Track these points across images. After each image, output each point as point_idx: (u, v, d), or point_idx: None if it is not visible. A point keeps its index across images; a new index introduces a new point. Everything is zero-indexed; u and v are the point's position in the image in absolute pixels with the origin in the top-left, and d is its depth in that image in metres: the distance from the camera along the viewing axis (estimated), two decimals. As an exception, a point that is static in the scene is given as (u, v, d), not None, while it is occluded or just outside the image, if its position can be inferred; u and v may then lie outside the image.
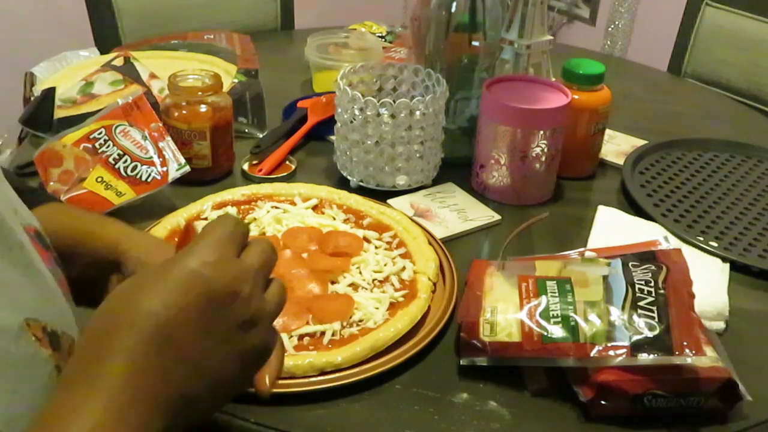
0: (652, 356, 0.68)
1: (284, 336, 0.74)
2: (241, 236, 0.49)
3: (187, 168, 0.96)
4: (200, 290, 0.44)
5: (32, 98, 1.10)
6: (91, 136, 0.96)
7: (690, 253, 0.89)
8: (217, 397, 0.47)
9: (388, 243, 0.89)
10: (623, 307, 0.72)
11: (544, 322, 0.72)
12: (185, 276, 0.45)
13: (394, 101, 0.95)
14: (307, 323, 0.76)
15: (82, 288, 0.56)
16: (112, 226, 0.69)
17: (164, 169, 0.95)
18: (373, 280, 0.83)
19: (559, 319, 0.72)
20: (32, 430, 0.41)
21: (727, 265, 0.91)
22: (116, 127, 0.96)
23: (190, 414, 0.45)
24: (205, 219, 0.90)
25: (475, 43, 1.07)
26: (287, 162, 1.09)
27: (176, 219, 0.87)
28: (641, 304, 0.72)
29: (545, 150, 1.00)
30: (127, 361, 0.42)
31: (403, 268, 0.84)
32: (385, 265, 0.85)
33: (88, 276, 0.62)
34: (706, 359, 0.69)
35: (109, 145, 0.95)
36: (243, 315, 0.46)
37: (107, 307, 0.45)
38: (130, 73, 1.14)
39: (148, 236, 0.77)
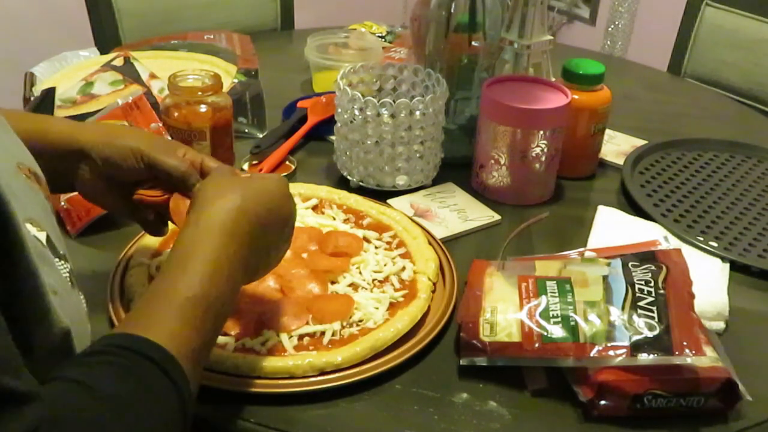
0: (652, 356, 0.68)
1: (284, 336, 0.74)
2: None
3: (187, 168, 0.96)
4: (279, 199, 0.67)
5: (32, 98, 1.09)
6: (91, 136, 0.95)
7: (690, 253, 0.89)
8: (266, 265, 0.68)
9: (388, 243, 0.89)
10: (623, 307, 0.72)
11: (544, 322, 0.72)
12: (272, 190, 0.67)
13: (394, 101, 0.95)
14: (307, 323, 0.76)
15: (49, 180, 0.62)
16: (61, 121, 0.77)
17: (164, 169, 0.95)
18: (373, 280, 0.83)
19: (559, 319, 0.72)
20: (170, 263, 0.59)
21: (727, 265, 0.91)
22: (116, 127, 0.96)
23: (253, 270, 0.65)
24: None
25: (475, 43, 1.07)
26: (287, 162, 1.09)
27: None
28: (641, 304, 0.73)
29: (545, 150, 1.00)
30: (232, 222, 0.62)
31: (403, 268, 0.84)
32: (385, 265, 0.85)
33: (50, 168, 0.67)
34: (706, 359, 0.69)
35: (109, 145, 0.95)
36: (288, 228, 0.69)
37: (216, 191, 0.65)
38: (130, 73, 1.13)
39: (98, 124, 0.89)
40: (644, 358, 0.68)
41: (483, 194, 1.04)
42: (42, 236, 0.53)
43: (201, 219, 0.62)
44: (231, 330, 0.74)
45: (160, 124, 0.98)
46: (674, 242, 0.93)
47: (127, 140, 0.72)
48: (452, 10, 1.05)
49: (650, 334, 0.70)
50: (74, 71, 1.16)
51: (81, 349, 0.56)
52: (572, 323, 0.71)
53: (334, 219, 0.93)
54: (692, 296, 0.75)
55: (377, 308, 0.78)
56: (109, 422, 0.47)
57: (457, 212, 0.99)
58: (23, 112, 0.87)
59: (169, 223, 0.79)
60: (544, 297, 0.74)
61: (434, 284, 0.83)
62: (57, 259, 0.55)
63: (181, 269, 0.59)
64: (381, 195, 1.00)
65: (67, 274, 0.56)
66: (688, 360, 0.68)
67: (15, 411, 0.42)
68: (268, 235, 0.65)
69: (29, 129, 0.71)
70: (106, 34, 1.58)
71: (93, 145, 0.72)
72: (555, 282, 0.76)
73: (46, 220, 0.55)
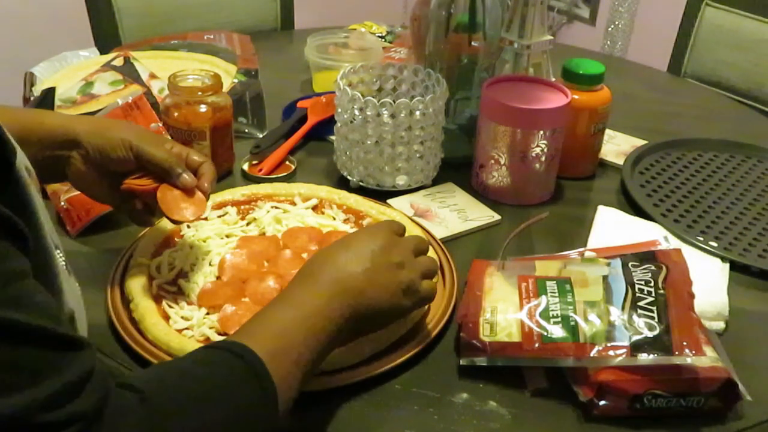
0: (651, 356, 0.68)
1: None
2: (400, 226, 0.74)
3: (187, 168, 0.96)
4: (370, 251, 0.69)
5: (32, 98, 1.09)
6: (91, 136, 0.95)
7: (690, 253, 0.89)
8: (378, 315, 0.68)
9: (388, 243, 0.89)
10: (623, 307, 0.72)
11: (544, 322, 0.72)
12: (362, 247, 0.69)
13: (394, 101, 0.95)
14: (307, 323, 0.76)
15: (42, 168, 0.65)
16: (55, 114, 0.83)
17: (164, 169, 0.95)
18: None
19: (559, 319, 0.72)
20: (265, 307, 0.65)
21: (727, 265, 0.91)
22: (116, 127, 0.96)
23: (364, 316, 0.66)
24: (205, 219, 0.90)
25: (475, 43, 1.07)
26: (287, 162, 1.09)
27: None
28: (641, 304, 0.73)
29: (545, 150, 1.00)
30: (328, 279, 0.66)
31: (403, 268, 0.84)
32: (385, 265, 0.85)
33: (44, 156, 0.74)
34: (706, 359, 0.69)
35: (109, 145, 0.95)
36: (393, 259, 0.69)
37: (316, 261, 0.69)
38: (130, 73, 1.13)
39: (91, 117, 0.94)
40: (644, 358, 0.68)
41: (483, 194, 1.04)
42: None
43: (311, 277, 0.67)
44: (231, 330, 0.74)
45: (160, 124, 0.98)
46: (674, 242, 0.93)
47: (117, 132, 0.76)
48: (452, 10, 1.05)
49: (650, 334, 0.70)
50: (74, 71, 1.16)
51: (83, 332, 0.61)
52: (572, 323, 0.71)
53: (334, 219, 0.93)
54: (692, 296, 0.75)
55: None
56: (183, 386, 0.54)
57: (457, 212, 0.99)
58: (17, 107, 0.89)
59: (163, 217, 0.80)
60: (544, 297, 0.74)
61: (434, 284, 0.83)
62: (54, 248, 0.57)
63: (287, 305, 0.65)
64: (381, 195, 1.00)
65: (64, 263, 0.59)
66: (688, 360, 0.68)
67: (72, 354, 0.46)
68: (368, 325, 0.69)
69: (26, 119, 0.75)
70: (106, 34, 1.58)
71: (85, 135, 0.75)
72: (555, 282, 0.76)
73: (43, 213, 0.56)
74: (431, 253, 0.86)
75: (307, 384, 0.62)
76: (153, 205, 0.77)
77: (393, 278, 0.68)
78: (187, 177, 0.76)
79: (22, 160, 0.54)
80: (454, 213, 0.99)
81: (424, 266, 0.71)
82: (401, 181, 1.02)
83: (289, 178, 1.05)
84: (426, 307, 0.79)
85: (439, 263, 0.85)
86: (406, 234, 0.76)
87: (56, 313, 0.47)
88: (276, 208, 0.94)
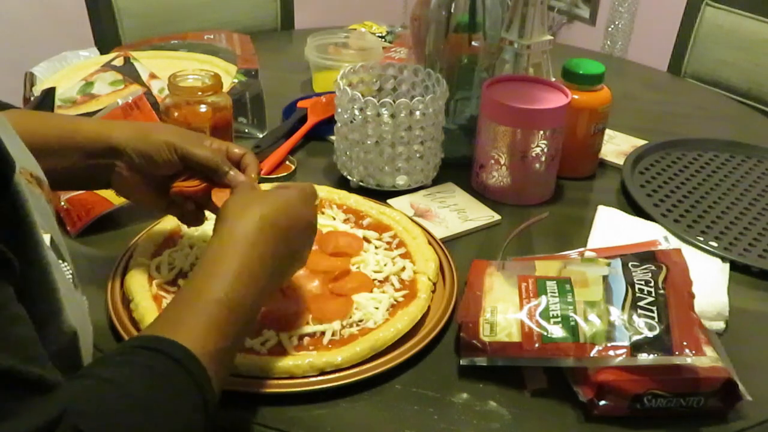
0: (652, 356, 0.68)
1: (284, 336, 0.74)
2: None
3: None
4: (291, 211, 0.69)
5: (32, 98, 1.09)
6: (91, 136, 0.95)
7: (690, 253, 0.89)
8: (288, 270, 0.70)
9: (388, 243, 0.89)
10: (623, 307, 0.72)
11: (544, 322, 0.72)
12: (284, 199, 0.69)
13: (394, 101, 0.95)
14: (307, 323, 0.76)
15: (85, 177, 0.71)
16: (89, 121, 0.83)
17: (164, 169, 0.95)
18: (373, 280, 0.83)
19: (559, 319, 0.72)
20: (196, 272, 0.62)
21: (727, 265, 0.91)
22: (116, 127, 0.96)
23: (278, 276, 0.67)
24: (205, 219, 0.90)
25: (475, 43, 1.07)
26: (287, 162, 1.09)
27: (176, 220, 0.87)
28: (641, 304, 0.73)
29: (545, 150, 1.00)
30: (255, 231, 0.65)
31: (403, 268, 0.84)
32: (384, 265, 0.85)
33: (82, 165, 0.74)
34: (706, 359, 0.69)
35: (109, 145, 0.95)
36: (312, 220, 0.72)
37: (239, 205, 0.68)
38: (130, 73, 1.13)
39: (127, 122, 0.95)
40: (644, 358, 0.68)
41: (483, 194, 1.04)
42: (47, 239, 0.54)
43: (224, 231, 0.65)
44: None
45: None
46: (674, 242, 0.93)
47: (159, 135, 0.75)
48: (452, 10, 1.05)
49: (650, 334, 0.70)
50: (74, 71, 1.16)
51: (86, 351, 0.58)
52: (572, 323, 0.71)
53: (334, 219, 0.93)
54: (692, 296, 0.75)
55: (377, 308, 0.78)
56: (131, 417, 0.50)
57: (457, 212, 0.99)
58: (46, 113, 0.89)
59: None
60: (544, 297, 0.74)
61: (434, 284, 0.83)
62: (60, 261, 0.56)
63: (207, 276, 0.62)
64: (381, 195, 1.00)
65: (71, 276, 0.57)
66: (688, 360, 0.68)
67: (40, 398, 0.43)
68: (290, 241, 0.68)
69: (61, 128, 0.75)
70: (106, 34, 1.58)
71: (127, 142, 0.74)
72: (555, 282, 0.76)
73: (49, 223, 0.55)
74: (431, 252, 0.86)
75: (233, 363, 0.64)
76: (204, 204, 0.78)
77: (300, 205, 0.71)
78: (233, 174, 0.75)
79: (29, 169, 0.54)
80: (454, 213, 0.99)
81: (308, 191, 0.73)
82: (401, 181, 1.02)
83: (289, 178, 1.05)
84: (426, 306, 0.79)
85: (439, 262, 0.86)
86: None
87: (33, 349, 0.45)
88: (276, 208, 0.94)
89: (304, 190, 0.72)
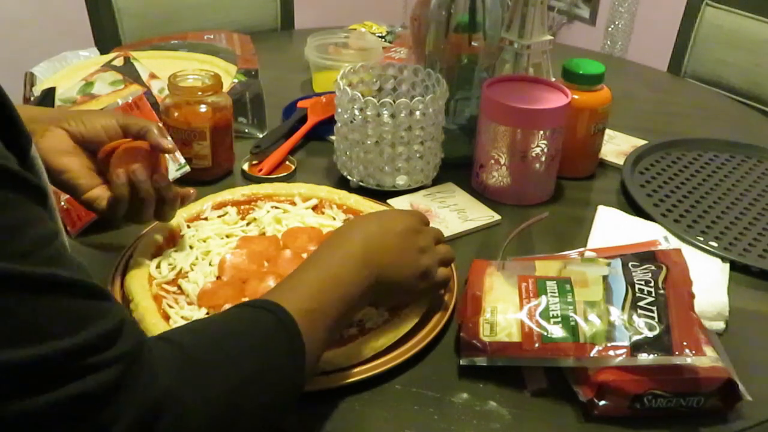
0: (652, 356, 0.68)
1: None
2: (425, 217, 0.79)
3: (187, 168, 0.96)
4: (400, 230, 0.74)
5: (32, 98, 1.09)
6: (91, 136, 0.95)
7: (690, 253, 0.89)
8: (395, 290, 0.73)
9: (388, 243, 0.89)
10: (623, 307, 0.72)
11: (544, 322, 0.72)
12: (395, 224, 0.74)
13: (394, 101, 0.95)
14: (307, 323, 0.76)
15: None
16: (21, 106, 0.82)
17: (164, 169, 0.95)
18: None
19: (559, 319, 0.72)
20: (300, 265, 0.68)
21: (727, 265, 0.91)
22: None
23: (380, 292, 0.71)
24: (205, 219, 0.90)
25: (475, 43, 1.07)
26: (287, 162, 1.09)
27: (176, 219, 0.87)
28: (641, 304, 0.72)
29: (545, 150, 1.00)
30: (360, 244, 0.70)
31: (403, 268, 0.84)
32: (385, 265, 0.85)
33: None
34: (706, 359, 0.69)
35: (109, 145, 0.95)
36: (418, 243, 0.74)
37: (348, 231, 0.73)
38: (130, 73, 1.13)
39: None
40: (644, 358, 0.68)
41: (483, 194, 1.04)
42: None
43: (345, 238, 0.72)
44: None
45: (160, 124, 0.98)
46: (674, 242, 0.93)
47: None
48: (452, 10, 1.05)
49: (650, 334, 0.70)
50: (74, 71, 1.16)
51: None
52: (572, 323, 0.71)
53: (334, 219, 0.93)
54: (692, 296, 0.75)
55: (377, 308, 0.78)
56: (212, 337, 0.56)
57: (457, 212, 0.99)
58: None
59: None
60: (544, 297, 0.74)
61: (434, 284, 0.83)
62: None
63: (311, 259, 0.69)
64: (381, 195, 1.00)
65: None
66: (688, 360, 0.68)
67: (106, 302, 0.49)
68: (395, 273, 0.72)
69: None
70: (106, 34, 1.58)
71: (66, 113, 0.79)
72: (555, 282, 0.76)
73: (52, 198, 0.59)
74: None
75: (330, 346, 0.67)
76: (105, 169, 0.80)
77: (415, 260, 0.73)
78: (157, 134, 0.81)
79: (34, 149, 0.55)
80: (454, 213, 0.99)
81: (442, 254, 0.77)
82: (401, 181, 1.02)
83: (289, 178, 1.05)
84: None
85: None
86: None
87: (86, 269, 0.50)
88: (276, 208, 0.94)
89: (406, 222, 0.75)
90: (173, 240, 0.87)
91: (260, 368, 0.56)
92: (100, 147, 0.79)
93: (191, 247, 0.86)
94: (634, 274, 0.77)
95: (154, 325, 0.73)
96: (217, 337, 0.57)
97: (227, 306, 0.76)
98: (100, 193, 0.78)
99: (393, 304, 0.77)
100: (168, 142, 0.81)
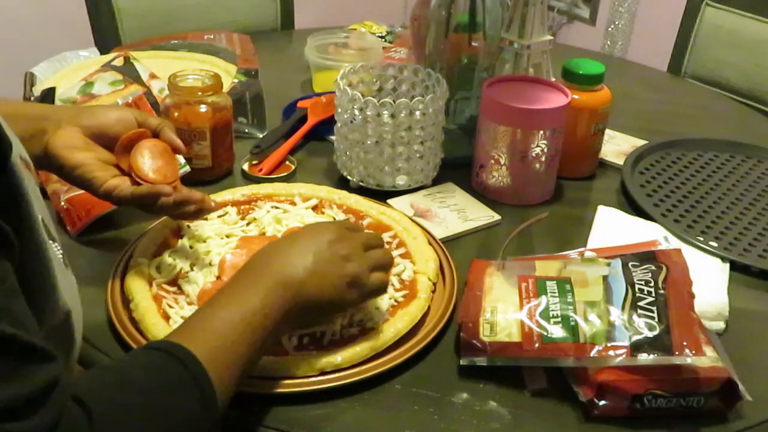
0: (652, 356, 0.68)
1: (284, 336, 0.74)
2: (351, 224, 0.77)
3: (187, 168, 0.96)
4: (316, 244, 0.69)
5: (32, 98, 1.09)
6: (91, 136, 0.95)
7: (690, 253, 0.89)
8: (322, 306, 0.69)
9: (388, 243, 0.89)
10: (623, 307, 0.72)
11: (544, 322, 0.72)
12: (309, 240, 0.70)
13: (394, 101, 0.95)
14: (307, 323, 0.76)
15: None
16: (33, 104, 0.86)
17: (164, 169, 0.95)
18: (373, 280, 0.83)
19: (559, 319, 0.72)
20: (206, 302, 0.64)
21: (727, 265, 0.91)
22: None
23: (307, 309, 0.67)
24: (205, 219, 0.90)
25: (475, 43, 1.07)
26: (287, 162, 1.09)
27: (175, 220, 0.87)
28: (641, 304, 0.73)
29: (545, 150, 1.00)
30: (270, 269, 0.67)
31: (404, 269, 0.84)
32: (385, 265, 0.85)
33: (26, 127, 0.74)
34: (706, 359, 0.69)
35: (109, 145, 0.95)
36: (340, 252, 0.69)
37: (260, 256, 0.69)
38: (130, 73, 1.13)
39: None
40: (644, 358, 0.68)
41: (483, 194, 1.04)
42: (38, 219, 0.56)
43: (255, 269, 0.68)
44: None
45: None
46: (674, 242, 0.93)
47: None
48: (452, 10, 1.05)
49: (650, 334, 0.70)
50: (74, 71, 1.16)
51: (77, 330, 0.61)
52: (572, 323, 0.71)
53: (334, 219, 0.93)
54: (692, 296, 0.75)
55: (377, 308, 0.78)
56: (127, 395, 0.53)
57: (457, 212, 0.99)
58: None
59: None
60: (544, 297, 0.74)
61: (434, 284, 0.83)
62: (51, 241, 0.57)
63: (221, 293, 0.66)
64: (381, 195, 1.00)
65: (61, 255, 0.59)
66: (688, 360, 0.68)
67: (40, 366, 0.46)
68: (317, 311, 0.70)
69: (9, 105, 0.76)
70: (106, 34, 1.58)
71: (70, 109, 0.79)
72: (555, 282, 0.76)
73: (39, 204, 0.57)
74: (431, 252, 0.86)
75: (243, 381, 0.63)
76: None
77: (337, 270, 0.68)
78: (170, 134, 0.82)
79: (18, 152, 0.54)
80: (454, 213, 0.99)
81: (374, 259, 0.72)
82: (401, 181, 1.02)
83: (289, 178, 1.05)
84: (426, 306, 0.79)
85: (439, 262, 0.86)
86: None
87: (29, 322, 0.48)
88: (276, 208, 0.94)
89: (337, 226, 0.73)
90: (173, 240, 0.87)
91: (171, 428, 0.54)
92: (115, 139, 0.78)
93: (191, 247, 0.86)
94: (634, 274, 0.77)
95: (154, 325, 0.73)
96: (128, 399, 0.53)
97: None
98: (117, 183, 0.77)
99: (327, 318, 0.74)
100: (180, 142, 0.82)
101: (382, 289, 0.73)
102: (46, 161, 0.76)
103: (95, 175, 0.76)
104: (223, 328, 0.61)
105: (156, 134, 0.81)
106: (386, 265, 0.73)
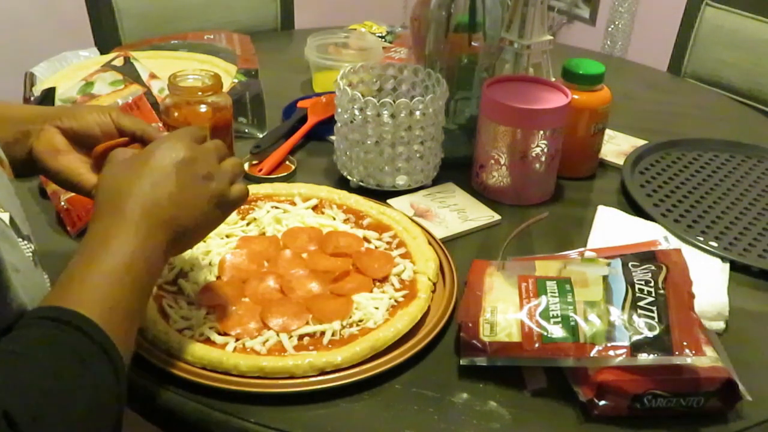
0: (652, 356, 0.68)
1: (284, 336, 0.74)
2: (200, 132, 0.71)
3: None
4: (173, 168, 0.65)
5: (32, 98, 1.09)
6: (91, 136, 0.95)
7: (690, 253, 0.89)
8: (197, 230, 0.67)
9: (388, 243, 0.89)
10: (623, 307, 0.72)
11: (544, 322, 0.72)
12: (164, 165, 0.65)
13: (394, 101, 0.95)
14: (307, 323, 0.76)
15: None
16: (18, 107, 0.81)
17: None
18: (373, 280, 0.83)
19: (559, 319, 0.72)
20: (76, 259, 0.59)
21: (727, 265, 0.91)
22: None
23: (181, 240, 0.66)
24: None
25: (475, 43, 1.07)
26: (287, 162, 1.09)
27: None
28: (641, 304, 0.73)
29: (545, 150, 1.00)
30: (136, 211, 0.62)
31: (404, 269, 0.84)
32: (385, 265, 0.85)
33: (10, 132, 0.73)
34: (706, 359, 0.69)
35: (109, 145, 0.95)
36: (199, 172, 0.66)
37: (113, 182, 0.65)
38: (130, 73, 1.13)
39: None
40: (644, 358, 0.68)
41: (483, 194, 1.04)
42: (5, 217, 0.55)
43: (117, 211, 0.63)
44: (231, 330, 0.74)
45: (160, 124, 0.98)
46: (674, 242, 0.93)
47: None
48: (452, 10, 1.05)
49: (650, 334, 0.70)
50: (74, 71, 1.16)
51: None
52: (572, 323, 0.71)
53: (334, 219, 0.93)
54: (692, 296, 0.75)
55: (377, 308, 0.78)
56: (41, 383, 0.50)
57: (457, 212, 0.99)
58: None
59: None
60: (544, 297, 0.74)
61: (434, 284, 0.83)
62: (20, 240, 0.57)
63: (101, 250, 0.61)
64: (381, 195, 1.00)
65: (30, 254, 0.58)
66: (688, 360, 0.68)
67: None
68: (184, 213, 0.66)
69: None
70: (106, 34, 1.58)
71: (58, 109, 0.75)
72: (555, 282, 0.76)
73: (10, 202, 0.56)
74: (431, 252, 0.86)
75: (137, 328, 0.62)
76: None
77: (203, 192, 0.66)
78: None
79: None
80: (454, 213, 0.99)
81: (231, 172, 0.70)
82: (401, 181, 1.02)
83: (289, 178, 1.05)
84: (426, 306, 0.79)
85: (439, 262, 0.86)
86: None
87: None
88: (276, 208, 0.94)
89: (172, 150, 0.67)
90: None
91: (92, 408, 0.53)
92: (94, 144, 0.75)
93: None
94: (634, 274, 0.77)
95: (153, 325, 0.73)
96: (47, 394, 0.51)
97: (227, 307, 0.76)
98: None
99: (202, 239, 0.71)
100: (153, 128, 0.77)
101: (242, 199, 0.71)
102: (34, 165, 0.74)
103: (82, 177, 0.75)
104: (109, 285, 0.58)
105: (138, 140, 0.76)
106: (240, 173, 0.72)
